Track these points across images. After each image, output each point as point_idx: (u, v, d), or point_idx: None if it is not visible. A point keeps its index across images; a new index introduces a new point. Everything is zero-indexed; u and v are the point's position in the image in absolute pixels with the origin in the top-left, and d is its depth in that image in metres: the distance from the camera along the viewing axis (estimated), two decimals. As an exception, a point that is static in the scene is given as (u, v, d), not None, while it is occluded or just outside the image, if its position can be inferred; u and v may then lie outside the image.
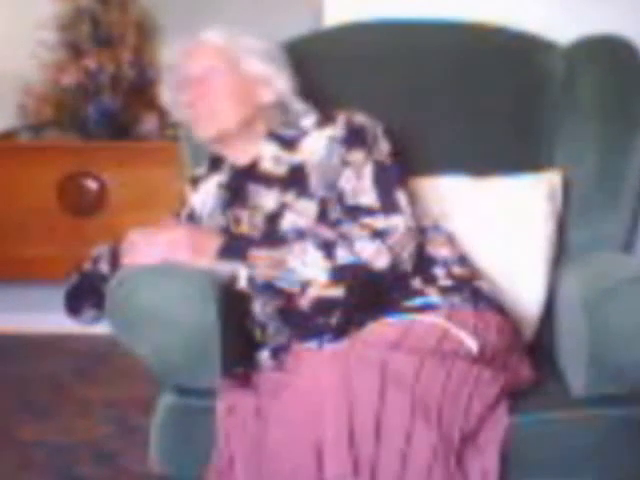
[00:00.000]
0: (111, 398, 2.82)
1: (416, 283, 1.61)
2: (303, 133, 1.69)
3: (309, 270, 1.53)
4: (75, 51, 3.73)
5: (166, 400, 1.59)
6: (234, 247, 1.58)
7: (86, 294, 1.72)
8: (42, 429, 2.59)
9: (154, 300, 1.52)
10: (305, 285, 1.54)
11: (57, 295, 1.77)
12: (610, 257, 1.65)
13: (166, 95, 1.77)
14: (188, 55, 1.71)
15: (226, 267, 1.55)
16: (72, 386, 2.94)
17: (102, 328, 1.78)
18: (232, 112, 1.68)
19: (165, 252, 1.57)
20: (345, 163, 1.63)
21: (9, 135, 3.64)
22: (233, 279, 1.55)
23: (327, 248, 1.55)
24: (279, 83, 1.71)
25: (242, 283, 1.55)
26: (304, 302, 1.55)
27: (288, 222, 1.63)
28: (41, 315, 3.37)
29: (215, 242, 1.59)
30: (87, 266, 1.73)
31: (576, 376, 1.55)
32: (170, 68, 1.75)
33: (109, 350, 3.12)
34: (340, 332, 1.57)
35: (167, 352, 1.53)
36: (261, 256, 1.55)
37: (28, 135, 3.66)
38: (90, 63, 3.69)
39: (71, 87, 3.68)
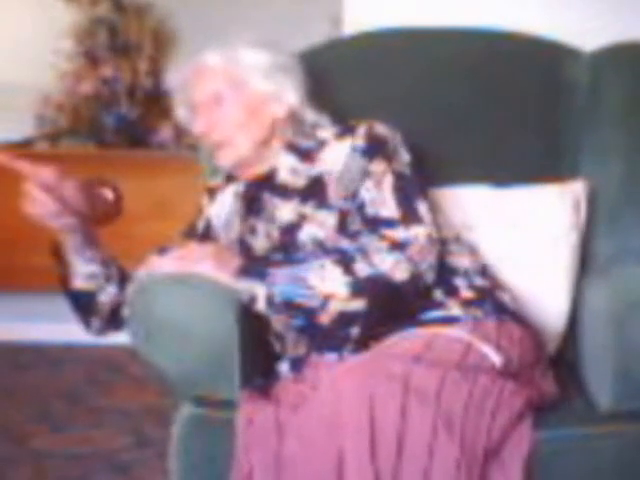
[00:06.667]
0: (126, 408, 2.81)
1: (437, 295, 1.59)
2: (321, 144, 1.68)
3: (329, 285, 1.51)
4: (92, 60, 3.75)
5: (185, 411, 1.58)
6: (254, 268, 1.55)
7: (80, 305, 1.71)
8: (57, 439, 2.59)
9: (173, 310, 1.51)
10: (325, 300, 1.52)
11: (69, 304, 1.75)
12: (637, 269, 1.63)
13: (179, 114, 1.75)
14: (191, 81, 1.69)
15: (245, 286, 1.53)
16: (87, 396, 2.93)
17: (117, 338, 1.77)
18: (246, 139, 1.66)
19: (186, 262, 1.56)
20: (366, 174, 1.61)
21: (26, 144, 3.65)
22: (251, 300, 1.53)
23: (346, 262, 1.53)
24: (289, 96, 1.69)
25: (260, 304, 1.52)
26: (325, 318, 1.53)
27: (306, 233, 1.62)
28: (56, 325, 3.37)
29: (236, 261, 1.57)
30: (66, 273, 1.70)
31: (601, 391, 1.52)
32: (176, 90, 1.73)
33: (124, 360, 3.12)
34: (360, 345, 1.55)
35: (186, 363, 1.52)
36: (280, 274, 1.53)
37: (45, 144, 3.67)
38: (107, 72, 3.70)
39: (88, 96, 3.69)
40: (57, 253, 1.68)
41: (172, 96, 1.75)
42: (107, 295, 1.69)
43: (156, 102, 3.68)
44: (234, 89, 1.67)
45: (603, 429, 1.50)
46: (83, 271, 1.68)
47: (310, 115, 1.71)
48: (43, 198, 1.57)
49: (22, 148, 3.60)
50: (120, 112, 3.66)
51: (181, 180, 3.05)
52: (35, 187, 1.57)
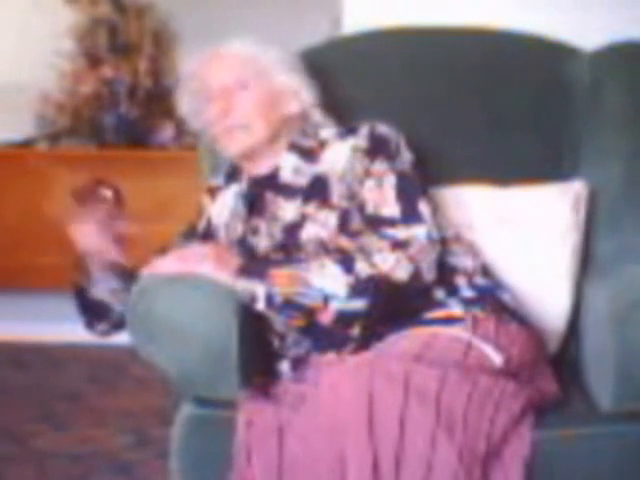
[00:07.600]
0: (128, 408, 2.81)
1: (438, 294, 1.59)
2: (324, 144, 1.68)
3: (329, 285, 1.51)
4: (93, 60, 3.75)
5: (185, 411, 1.58)
6: (254, 268, 1.55)
7: (92, 310, 1.72)
8: (59, 439, 2.59)
9: (174, 311, 1.51)
10: (326, 300, 1.52)
11: (74, 304, 1.75)
12: (637, 269, 1.63)
13: (184, 104, 1.75)
14: (211, 66, 1.69)
15: (245, 286, 1.53)
16: (89, 396, 2.93)
17: (119, 338, 1.77)
18: (263, 126, 1.66)
19: (186, 263, 1.56)
20: (368, 174, 1.61)
21: (27, 144, 3.65)
22: (252, 300, 1.53)
23: (346, 262, 1.53)
24: (305, 94, 1.71)
25: (260, 304, 1.52)
26: (325, 317, 1.53)
27: (308, 233, 1.62)
28: (58, 325, 3.37)
29: (237, 261, 1.57)
30: (85, 285, 1.72)
31: (602, 391, 1.52)
32: (189, 77, 1.73)
33: (126, 360, 3.12)
34: (361, 344, 1.55)
35: (186, 363, 1.52)
36: (280, 274, 1.53)
37: (45, 144, 3.68)
38: (107, 72, 3.70)
39: (88, 96, 3.69)
40: (79, 264, 1.69)
41: (179, 85, 1.74)
42: (124, 304, 1.70)
43: (157, 102, 3.68)
44: (259, 77, 1.67)
45: (604, 429, 1.50)
46: (107, 287, 1.71)
47: (318, 117, 1.72)
48: (101, 239, 1.65)
49: (22, 148, 3.60)
50: (120, 112, 3.66)
51: (181, 180, 3.05)
52: (99, 224, 1.65)
